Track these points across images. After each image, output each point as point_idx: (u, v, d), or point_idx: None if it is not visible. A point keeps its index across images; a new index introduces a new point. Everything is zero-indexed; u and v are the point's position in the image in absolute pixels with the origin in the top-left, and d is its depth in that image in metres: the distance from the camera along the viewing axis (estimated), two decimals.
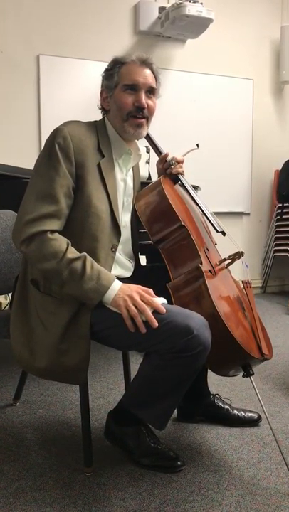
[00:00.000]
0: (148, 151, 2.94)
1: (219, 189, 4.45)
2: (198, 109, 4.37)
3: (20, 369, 2.04)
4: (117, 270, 1.61)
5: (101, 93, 1.61)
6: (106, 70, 1.59)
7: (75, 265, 1.39)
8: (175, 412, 1.88)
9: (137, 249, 1.75)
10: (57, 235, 1.42)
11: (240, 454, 1.66)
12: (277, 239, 4.55)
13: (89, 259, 1.42)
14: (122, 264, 1.64)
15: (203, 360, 1.40)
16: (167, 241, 1.61)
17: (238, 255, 1.68)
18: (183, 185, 1.78)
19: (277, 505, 1.40)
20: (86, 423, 1.54)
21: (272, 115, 4.76)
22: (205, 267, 1.55)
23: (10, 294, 1.90)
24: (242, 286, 1.81)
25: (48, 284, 1.49)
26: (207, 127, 4.39)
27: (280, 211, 4.50)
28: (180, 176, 1.77)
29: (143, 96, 1.54)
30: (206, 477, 1.53)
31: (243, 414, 1.87)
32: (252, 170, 4.70)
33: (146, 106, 1.55)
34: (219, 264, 1.69)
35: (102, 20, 3.98)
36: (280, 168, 4.58)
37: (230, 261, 1.71)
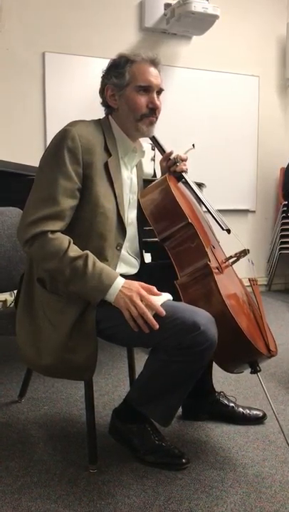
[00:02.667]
0: (153, 149, 2.93)
1: (224, 187, 4.44)
2: (204, 106, 4.36)
3: (25, 366, 2.04)
4: (122, 268, 1.61)
5: (105, 90, 1.58)
6: (114, 67, 1.56)
7: (77, 264, 1.39)
8: (180, 409, 1.87)
9: (142, 246, 1.75)
10: (58, 234, 1.42)
11: (245, 452, 1.66)
12: (282, 236, 4.53)
13: (91, 256, 1.42)
14: (127, 262, 1.64)
15: (209, 356, 1.40)
16: (174, 239, 1.60)
17: (243, 253, 1.68)
18: (187, 183, 1.77)
19: (282, 503, 1.39)
20: (91, 420, 1.55)
21: (278, 112, 4.74)
22: (213, 264, 1.55)
23: (15, 292, 1.90)
24: (248, 284, 1.80)
25: (54, 283, 1.49)
26: (212, 124, 4.38)
27: (285, 209, 4.48)
28: (184, 174, 1.76)
29: (156, 97, 1.55)
30: (211, 475, 1.53)
31: (248, 411, 1.87)
32: (257, 167, 4.68)
33: (160, 107, 1.56)
34: (225, 262, 1.69)
35: (107, 18, 3.97)
36: (285, 165, 4.56)
37: (235, 258, 1.70)
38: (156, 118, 1.58)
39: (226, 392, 1.96)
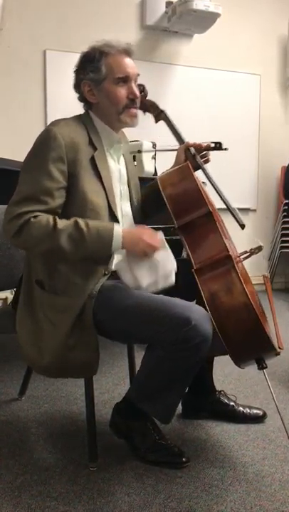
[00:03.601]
0: (154, 147, 2.93)
1: (225, 185, 4.35)
2: (205, 105, 4.34)
3: (26, 364, 2.04)
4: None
5: (82, 86, 1.56)
6: (89, 62, 1.54)
7: (71, 233, 1.40)
8: (180, 408, 1.87)
9: None
10: (40, 215, 1.41)
11: (245, 451, 1.66)
12: (283, 235, 4.53)
13: (80, 221, 1.42)
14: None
15: (203, 351, 1.40)
16: (193, 226, 1.58)
17: (258, 249, 1.64)
18: (207, 175, 1.76)
19: (281, 501, 1.39)
20: (91, 418, 1.55)
21: (279, 111, 4.73)
22: (233, 253, 1.54)
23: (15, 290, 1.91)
24: (255, 282, 1.78)
25: (52, 283, 1.49)
26: (213, 122, 4.36)
27: (286, 207, 4.47)
28: (204, 168, 1.74)
29: (134, 86, 1.55)
30: (211, 473, 1.53)
31: (249, 410, 1.87)
32: (258, 166, 4.67)
33: (139, 96, 1.56)
34: (239, 257, 1.66)
35: (108, 15, 3.96)
36: (286, 164, 4.55)
37: (248, 254, 1.67)
38: (137, 107, 1.58)
39: (226, 390, 1.96)
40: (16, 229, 1.40)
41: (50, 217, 1.41)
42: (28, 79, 3.72)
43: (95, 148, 1.52)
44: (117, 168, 1.62)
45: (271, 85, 4.66)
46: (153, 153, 2.92)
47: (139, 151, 2.81)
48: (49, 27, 3.77)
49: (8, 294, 3.60)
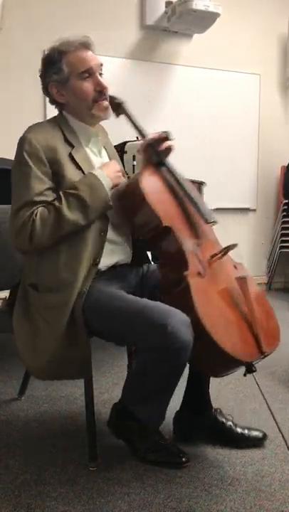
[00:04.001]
0: None
1: (225, 185, 4.43)
2: (205, 104, 4.34)
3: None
4: (113, 257, 1.60)
5: (49, 88, 1.57)
6: (50, 64, 1.55)
7: (69, 203, 1.44)
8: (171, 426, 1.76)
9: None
10: (37, 212, 1.44)
11: (245, 451, 1.66)
12: (283, 235, 4.53)
13: (68, 190, 1.47)
14: (116, 250, 1.62)
15: (184, 357, 1.39)
16: (154, 241, 1.57)
17: (228, 248, 1.61)
18: (169, 171, 1.64)
19: (281, 501, 1.39)
20: (91, 418, 1.55)
21: (278, 111, 4.73)
22: (194, 269, 1.49)
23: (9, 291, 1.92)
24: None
25: (43, 282, 1.51)
26: (213, 122, 4.37)
27: (286, 207, 4.47)
28: (166, 161, 1.65)
29: (100, 78, 1.55)
30: (210, 473, 1.53)
31: (248, 432, 1.70)
32: (258, 166, 4.67)
33: (107, 87, 1.56)
34: (211, 259, 1.59)
35: (108, 15, 3.96)
36: (286, 164, 4.55)
37: (222, 254, 1.61)
38: (107, 99, 1.57)
39: (224, 391, 1.95)
40: (28, 238, 1.43)
41: (45, 207, 1.45)
42: (28, 79, 3.71)
43: (72, 146, 1.54)
44: (99, 161, 1.63)
45: (271, 85, 4.66)
46: None
47: (138, 151, 2.80)
48: (49, 27, 3.76)
49: (8, 294, 3.60)
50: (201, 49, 4.28)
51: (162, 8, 4.04)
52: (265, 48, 4.59)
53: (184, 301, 1.42)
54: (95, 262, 1.52)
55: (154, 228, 1.53)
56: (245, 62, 4.48)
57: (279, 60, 4.67)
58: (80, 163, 1.52)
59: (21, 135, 1.51)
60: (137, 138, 2.58)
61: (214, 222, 1.64)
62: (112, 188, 1.53)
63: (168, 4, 4.00)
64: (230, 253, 1.67)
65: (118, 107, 1.67)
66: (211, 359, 1.43)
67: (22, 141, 1.48)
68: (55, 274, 1.49)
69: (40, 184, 1.45)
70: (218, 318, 1.46)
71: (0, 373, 2.37)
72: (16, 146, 1.51)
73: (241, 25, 4.43)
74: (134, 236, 1.68)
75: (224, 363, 1.47)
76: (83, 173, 1.52)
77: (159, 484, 1.47)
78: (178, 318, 1.37)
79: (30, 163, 1.45)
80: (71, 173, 1.50)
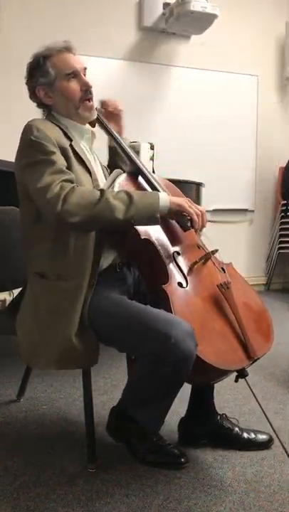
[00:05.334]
0: (152, 148, 2.93)
1: (223, 186, 4.44)
2: (203, 106, 4.35)
3: (24, 365, 2.04)
4: (109, 258, 1.60)
5: (37, 92, 1.59)
6: (36, 69, 1.57)
7: (117, 195, 1.41)
8: (176, 434, 1.76)
9: None
10: (72, 183, 1.42)
11: (244, 452, 1.66)
12: (281, 236, 4.53)
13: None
14: (110, 252, 1.61)
15: (185, 369, 1.38)
16: (131, 255, 1.58)
17: (208, 255, 1.61)
18: (143, 175, 1.64)
19: (280, 502, 1.39)
20: (90, 419, 1.55)
21: (276, 112, 4.74)
22: (173, 280, 1.48)
23: (14, 291, 1.91)
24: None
25: (57, 272, 1.49)
26: (211, 124, 4.37)
27: (284, 208, 4.48)
28: (140, 168, 1.65)
29: (85, 78, 1.58)
30: (210, 474, 1.53)
31: (254, 435, 1.71)
32: (256, 167, 4.68)
33: (92, 85, 1.59)
34: (192, 267, 1.57)
35: (106, 17, 3.96)
36: (284, 164, 4.56)
37: (202, 261, 1.60)
38: (92, 98, 1.60)
39: (223, 392, 1.96)
40: (64, 194, 1.36)
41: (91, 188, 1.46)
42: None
43: (70, 139, 1.55)
44: (91, 157, 1.64)
45: (269, 86, 4.67)
46: (151, 155, 2.92)
47: (138, 152, 2.80)
48: (47, 28, 3.76)
49: (7, 296, 3.60)
50: (199, 50, 4.28)
51: (160, 10, 4.05)
52: (263, 49, 4.60)
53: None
54: (99, 254, 1.52)
55: (133, 241, 1.51)
56: (243, 64, 4.49)
57: (277, 61, 4.68)
58: (80, 154, 1.54)
59: (26, 125, 1.50)
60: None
61: (193, 229, 1.57)
62: (170, 213, 1.49)
63: (166, 6, 4.01)
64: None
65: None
66: (197, 371, 1.41)
67: (30, 128, 1.47)
68: (67, 260, 1.48)
69: (61, 159, 1.45)
70: (201, 329, 1.43)
71: None
72: (16, 147, 1.50)
73: (239, 26, 4.43)
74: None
75: (211, 373, 1.46)
76: (84, 164, 1.53)
77: (159, 485, 1.47)
78: (182, 329, 1.36)
79: (44, 145, 1.43)
80: (76, 164, 1.51)
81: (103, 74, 3.89)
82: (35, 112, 1.70)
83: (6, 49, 3.69)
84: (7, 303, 3.58)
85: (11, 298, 3.53)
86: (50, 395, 2.14)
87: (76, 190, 1.38)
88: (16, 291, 1.69)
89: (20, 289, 1.66)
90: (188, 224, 1.52)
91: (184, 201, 1.51)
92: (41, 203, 1.40)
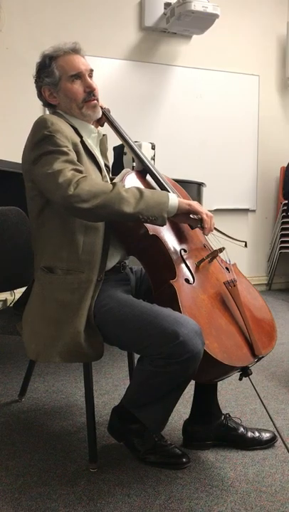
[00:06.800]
0: (153, 148, 2.93)
1: (225, 186, 4.44)
2: (204, 106, 4.35)
3: (26, 365, 2.05)
4: (114, 259, 1.60)
5: (43, 92, 1.63)
6: (42, 69, 1.61)
7: (128, 188, 1.42)
8: (180, 437, 1.77)
9: None
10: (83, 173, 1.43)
11: (245, 451, 1.66)
12: (283, 236, 4.53)
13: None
14: (115, 253, 1.61)
15: (193, 368, 1.38)
16: (139, 251, 1.57)
17: (216, 252, 1.61)
18: (152, 174, 1.67)
19: (282, 502, 1.39)
20: (91, 419, 1.55)
21: (278, 111, 4.73)
22: (181, 276, 1.49)
23: (15, 291, 1.90)
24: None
25: (67, 266, 1.49)
26: (213, 124, 4.37)
27: (285, 208, 4.48)
28: (149, 167, 1.68)
29: (89, 80, 1.60)
30: (211, 474, 1.53)
31: (259, 435, 1.70)
32: (258, 167, 4.67)
33: (96, 87, 1.60)
34: (199, 265, 1.58)
35: (107, 17, 3.96)
36: (285, 164, 4.56)
37: (209, 259, 1.61)
38: (97, 99, 1.62)
39: (225, 392, 1.96)
40: (77, 180, 1.37)
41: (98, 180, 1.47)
42: (28, 80, 3.71)
43: (80, 136, 1.57)
44: (97, 156, 1.65)
45: (270, 86, 4.66)
46: (152, 154, 2.92)
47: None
48: (48, 28, 3.77)
49: (8, 296, 3.61)
50: (200, 50, 4.28)
51: (161, 10, 4.05)
52: (264, 49, 4.59)
53: (173, 309, 1.43)
54: (106, 251, 1.52)
55: (142, 237, 1.52)
56: (244, 63, 4.48)
57: (278, 60, 4.68)
58: (91, 150, 1.56)
59: (38, 118, 1.51)
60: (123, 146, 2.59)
61: (202, 228, 1.58)
62: (178, 214, 1.49)
63: (167, 5, 4.01)
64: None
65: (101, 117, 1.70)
66: (202, 367, 1.41)
67: (44, 121, 1.48)
68: (76, 255, 1.48)
69: (71, 152, 1.46)
70: (207, 325, 1.45)
71: (0, 375, 2.37)
72: (15, 147, 1.51)
73: (240, 26, 4.43)
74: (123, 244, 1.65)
75: (216, 370, 1.46)
76: (95, 159, 1.56)
77: (160, 485, 1.47)
78: (189, 328, 1.36)
79: (56, 138, 1.44)
80: (86, 159, 1.53)
81: (104, 74, 3.89)
82: (35, 113, 1.71)
83: (5, 49, 3.69)
84: (8, 303, 3.59)
85: (12, 298, 3.53)
86: (52, 394, 2.14)
87: (88, 178, 1.40)
88: (17, 291, 1.69)
89: (25, 288, 1.66)
90: (198, 225, 1.53)
91: (193, 202, 1.52)
92: (51, 186, 1.39)
